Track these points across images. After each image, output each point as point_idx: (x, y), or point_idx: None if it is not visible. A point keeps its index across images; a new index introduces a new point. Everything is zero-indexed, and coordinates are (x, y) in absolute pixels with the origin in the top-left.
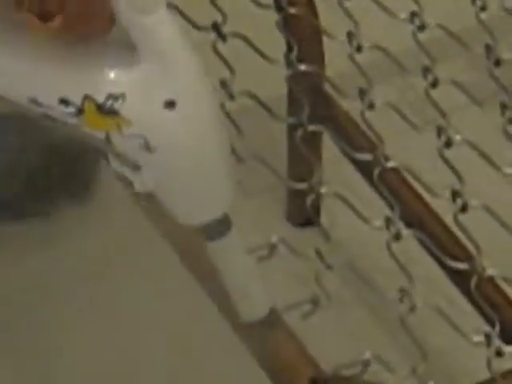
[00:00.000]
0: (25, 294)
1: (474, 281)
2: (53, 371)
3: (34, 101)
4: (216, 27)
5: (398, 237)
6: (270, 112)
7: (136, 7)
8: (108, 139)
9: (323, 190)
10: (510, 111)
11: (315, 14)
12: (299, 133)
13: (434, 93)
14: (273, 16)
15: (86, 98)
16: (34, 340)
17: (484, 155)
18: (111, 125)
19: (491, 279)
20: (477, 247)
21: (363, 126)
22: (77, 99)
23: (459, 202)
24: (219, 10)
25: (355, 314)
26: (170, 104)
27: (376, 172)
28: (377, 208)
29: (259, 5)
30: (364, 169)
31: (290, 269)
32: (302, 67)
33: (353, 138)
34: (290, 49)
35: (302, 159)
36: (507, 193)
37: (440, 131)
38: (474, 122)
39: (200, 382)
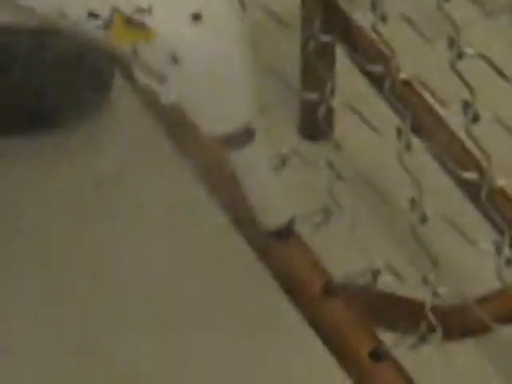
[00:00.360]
0: (37, 207)
1: (484, 191)
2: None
3: (62, 14)
4: None
5: (408, 147)
6: (283, 24)
7: None
8: (135, 51)
9: (335, 101)
10: None
11: None
12: (311, 45)
13: (446, 5)
14: None
15: (114, 10)
16: (43, 249)
17: (496, 68)
18: (139, 37)
19: (502, 190)
20: (488, 158)
21: (376, 39)
22: (105, 12)
23: (470, 113)
24: None
25: (367, 225)
26: (196, 16)
27: (387, 84)
28: (388, 120)
29: None
30: (376, 81)
31: (301, 181)
32: None
33: (365, 50)
34: None
35: (315, 72)
36: None
37: (452, 43)
38: (486, 35)
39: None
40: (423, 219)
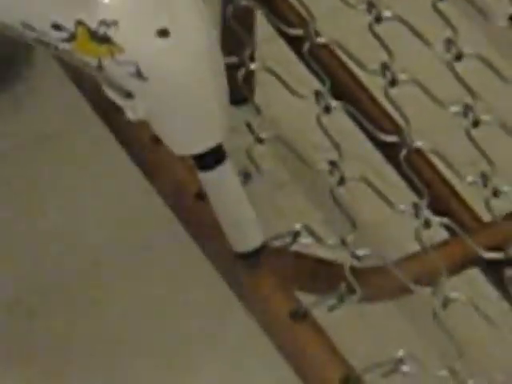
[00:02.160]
0: None
1: (403, 153)
2: None
3: (27, 25)
4: None
5: (327, 110)
6: None
7: None
8: (100, 66)
9: (254, 65)
10: None
11: None
12: (230, 9)
13: None
14: None
15: (79, 23)
16: None
17: (415, 31)
18: (104, 51)
19: (420, 152)
20: (406, 120)
21: (295, 3)
22: (69, 24)
23: (388, 75)
24: None
25: (287, 188)
26: (164, 32)
27: (306, 47)
28: (309, 84)
29: None
30: (295, 45)
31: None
32: None
33: (285, 15)
34: None
35: (235, 36)
36: (438, 68)
37: (370, 7)
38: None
39: None
40: (341, 181)
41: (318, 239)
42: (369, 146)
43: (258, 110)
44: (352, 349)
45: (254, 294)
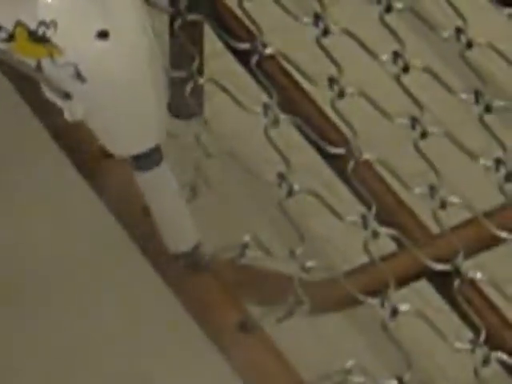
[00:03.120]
0: None
1: (351, 165)
2: None
3: None
4: None
5: (276, 123)
6: (151, 3)
7: None
8: (39, 66)
9: (203, 79)
10: (386, 0)
11: None
12: (178, 22)
13: None
14: None
15: (18, 24)
16: None
17: (362, 44)
18: (43, 52)
19: (368, 164)
20: (354, 132)
21: (243, 18)
22: (8, 25)
23: (336, 88)
24: None
25: (235, 201)
26: (103, 34)
27: (254, 60)
28: (258, 98)
29: None
30: (244, 59)
31: (170, 159)
32: None
33: (233, 29)
34: None
35: (183, 50)
36: (384, 79)
37: (317, 20)
38: (353, 12)
39: None
40: (290, 194)
41: (267, 251)
42: (318, 158)
43: (206, 124)
44: (302, 360)
45: (202, 305)
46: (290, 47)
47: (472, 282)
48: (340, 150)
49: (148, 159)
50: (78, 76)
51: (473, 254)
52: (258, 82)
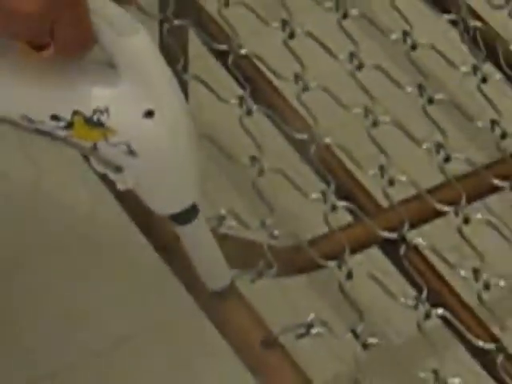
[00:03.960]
0: None
1: (313, 149)
2: None
3: (26, 117)
4: None
5: (249, 112)
6: (142, 11)
7: (116, 30)
8: (95, 147)
9: (186, 75)
10: (343, 8)
11: None
12: (166, 27)
13: None
14: None
15: (75, 113)
16: None
17: (323, 45)
18: (98, 135)
19: (328, 147)
20: (315, 120)
21: (221, 23)
22: (66, 115)
23: (301, 83)
24: None
25: (214, 180)
26: (149, 113)
27: (230, 59)
28: (234, 91)
29: None
30: (222, 58)
31: None
32: None
33: (213, 33)
34: None
35: (170, 51)
36: (342, 76)
37: (285, 25)
38: (315, 18)
39: None
40: (261, 173)
41: (241, 222)
42: (285, 143)
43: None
44: (271, 317)
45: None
46: (262, 48)
47: (416, 249)
48: (304, 136)
49: (187, 215)
50: (130, 152)
51: (417, 225)
52: (235, 78)
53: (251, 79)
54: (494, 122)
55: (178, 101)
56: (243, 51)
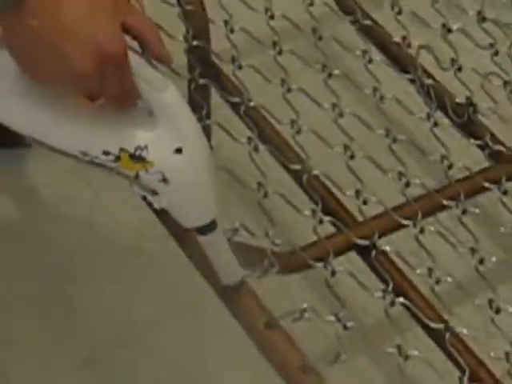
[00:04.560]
0: None
1: (305, 177)
2: None
3: (83, 153)
4: None
5: (256, 149)
6: (175, 72)
7: (153, 87)
8: (137, 176)
9: (209, 121)
10: (328, 70)
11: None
12: (193, 85)
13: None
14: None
15: (122, 149)
16: None
17: (313, 99)
18: (140, 167)
19: (316, 176)
20: (307, 156)
21: (235, 81)
22: (115, 151)
23: (295, 127)
24: None
25: (232, 203)
26: (179, 150)
27: (242, 109)
28: (245, 133)
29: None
30: (235, 108)
31: None
32: (195, 42)
33: (228, 89)
34: (187, 31)
35: (197, 103)
36: (327, 121)
37: (283, 82)
38: (306, 77)
39: None
40: (265, 196)
41: (250, 233)
42: (284, 173)
43: (212, 150)
44: (274, 306)
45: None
46: (266, 100)
47: (384, 253)
48: (298, 167)
49: (208, 227)
50: (164, 180)
51: (385, 235)
52: (245, 123)
53: (258, 124)
54: (443, 157)
55: (201, 141)
56: (252, 103)
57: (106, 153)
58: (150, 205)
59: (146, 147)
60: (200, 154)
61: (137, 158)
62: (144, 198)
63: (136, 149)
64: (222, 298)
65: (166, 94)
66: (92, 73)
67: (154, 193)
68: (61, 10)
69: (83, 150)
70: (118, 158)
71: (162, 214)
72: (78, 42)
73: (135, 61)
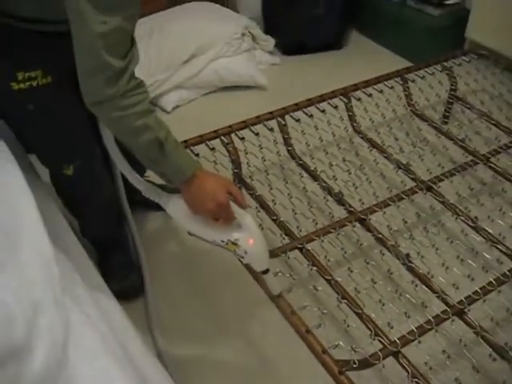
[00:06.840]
0: None
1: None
2: None
3: (214, 241)
4: None
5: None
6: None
7: (239, 216)
8: (235, 251)
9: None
10: None
11: None
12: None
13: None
14: None
15: (229, 240)
16: None
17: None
18: (236, 246)
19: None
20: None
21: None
22: (226, 240)
23: None
24: None
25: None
26: (252, 240)
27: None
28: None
29: None
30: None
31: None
32: None
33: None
34: None
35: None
36: None
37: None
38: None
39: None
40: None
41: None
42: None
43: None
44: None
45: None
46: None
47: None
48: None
49: (265, 271)
50: (245, 252)
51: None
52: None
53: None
54: None
55: (260, 235)
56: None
57: (222, 241)
58: (240, 261)
59: (238, 239)
60: (261, 241)
61: (234, 243)
62: (239, 260)
63: (235, 239)
64: (271, 300)
65: (246, 219)
66: (216, 210)
67: (242, 257)
68: (204, 185)
69: (214, 240)
70: (227, 243)
71: (246, 265)
72: (212, 199)
73: (233, 205)
